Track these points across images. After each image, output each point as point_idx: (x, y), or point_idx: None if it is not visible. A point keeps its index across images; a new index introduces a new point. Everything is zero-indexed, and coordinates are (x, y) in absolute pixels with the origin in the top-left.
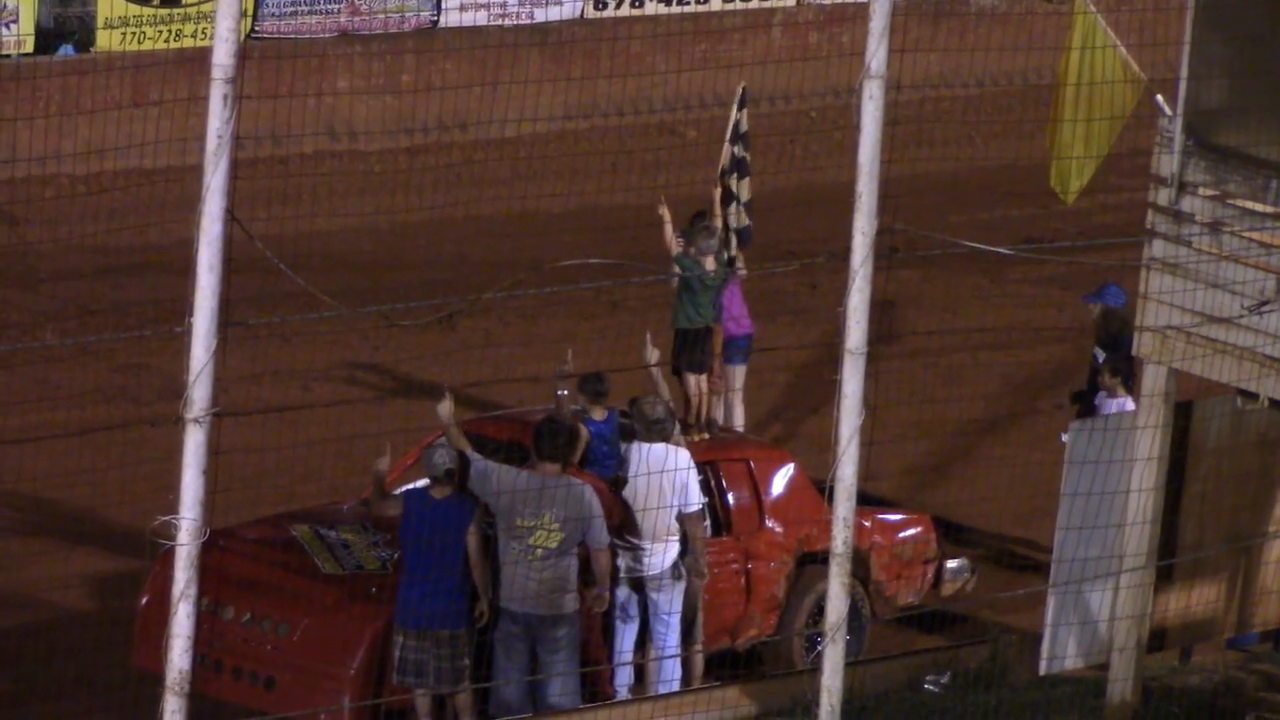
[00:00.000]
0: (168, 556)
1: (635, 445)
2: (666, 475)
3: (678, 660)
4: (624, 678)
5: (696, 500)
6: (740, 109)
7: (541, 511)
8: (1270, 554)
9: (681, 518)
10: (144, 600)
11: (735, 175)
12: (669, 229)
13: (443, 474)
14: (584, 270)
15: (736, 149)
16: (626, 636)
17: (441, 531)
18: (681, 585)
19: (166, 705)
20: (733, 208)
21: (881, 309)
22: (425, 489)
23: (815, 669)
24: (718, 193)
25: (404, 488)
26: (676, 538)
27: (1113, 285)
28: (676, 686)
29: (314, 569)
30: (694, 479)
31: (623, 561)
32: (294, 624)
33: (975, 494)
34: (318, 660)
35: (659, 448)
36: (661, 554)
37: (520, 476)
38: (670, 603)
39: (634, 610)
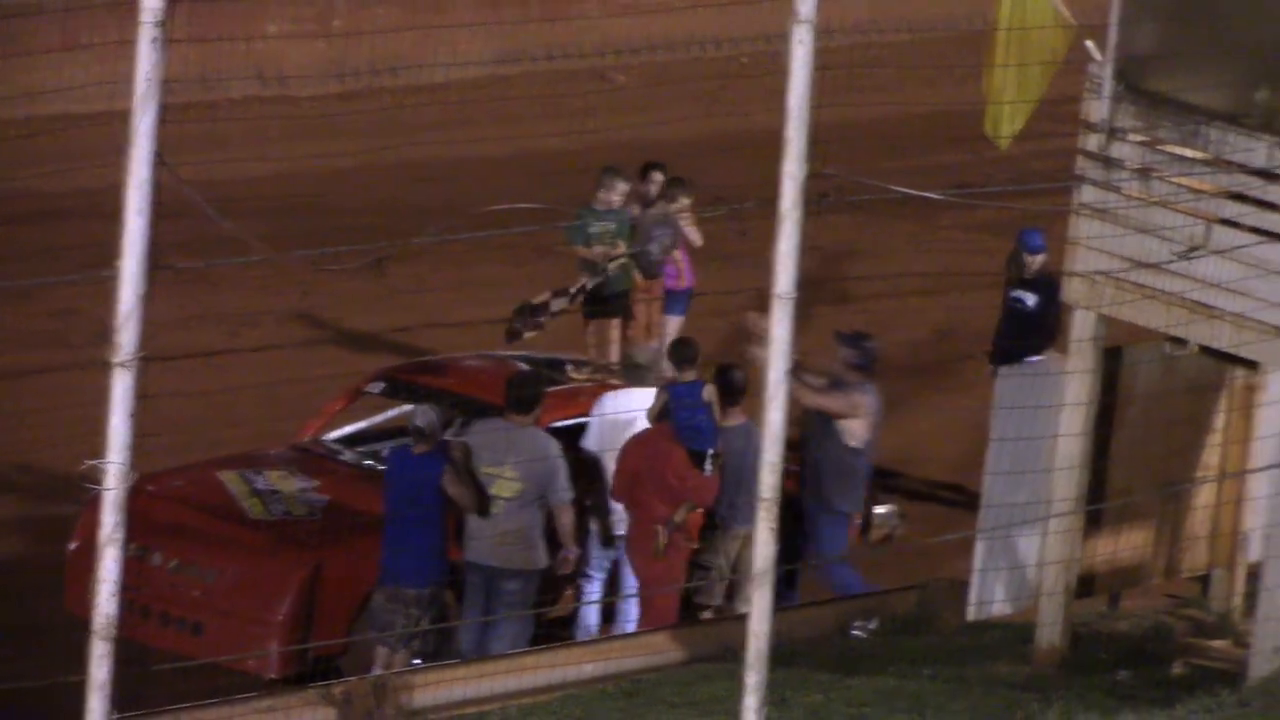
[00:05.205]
0: (97, 501)
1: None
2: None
3: (636, 600)
4: (591, 619)
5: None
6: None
7: (503, 460)
8: (1198, 500)
9: None
10: (73, 545)
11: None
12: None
13: (412, 430)
14: (515, 215)
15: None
16: (594, 588)
17: (414, 487)
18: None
19: (94, 650)
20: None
21: (811, 255)
22: (408, 444)
23: (743, 614)
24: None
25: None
26: None
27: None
28: (634, 627)
29: (242, 514)
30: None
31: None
32: (221, 570)
33: (904, 440)
34: (245, 606)
35: (640, 392)
36: None
37: (490, 424)
38: None
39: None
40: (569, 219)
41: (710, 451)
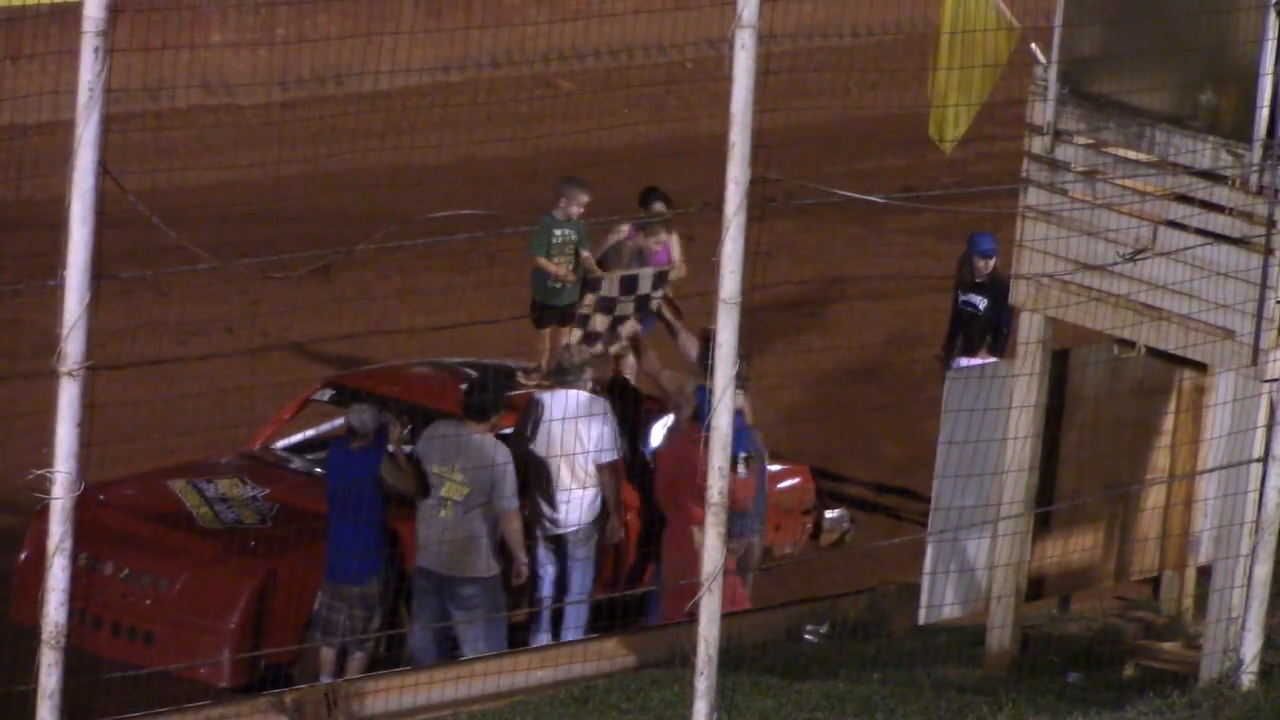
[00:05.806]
0: (46, 512)
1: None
2: (581, 422)
3: (585, 606)
4: (544, 624)
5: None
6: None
7: (452, 460)
8: (1147, 501)
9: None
10: (23, 556)
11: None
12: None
13: (346, 430)
14: (460, 222)
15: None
16: (545, 586)
17: (352, 480)
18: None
19: (43, 659)
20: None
21: (756, 259)
22: (348, 441)
23: (693, 619)
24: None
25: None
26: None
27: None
28: (581, 633)
29: (192, 522)
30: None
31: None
32: (173, 578)
33: (853, 444)
34: (197, 614)
35: (573, 394)
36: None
37: (444, 425)
38: (589, 550)
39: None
40: (514, 225)
41: (742, 455)
